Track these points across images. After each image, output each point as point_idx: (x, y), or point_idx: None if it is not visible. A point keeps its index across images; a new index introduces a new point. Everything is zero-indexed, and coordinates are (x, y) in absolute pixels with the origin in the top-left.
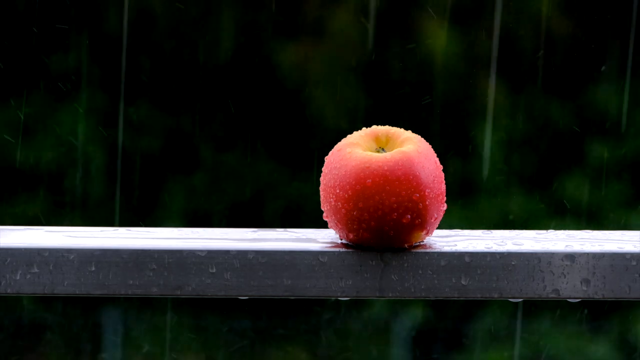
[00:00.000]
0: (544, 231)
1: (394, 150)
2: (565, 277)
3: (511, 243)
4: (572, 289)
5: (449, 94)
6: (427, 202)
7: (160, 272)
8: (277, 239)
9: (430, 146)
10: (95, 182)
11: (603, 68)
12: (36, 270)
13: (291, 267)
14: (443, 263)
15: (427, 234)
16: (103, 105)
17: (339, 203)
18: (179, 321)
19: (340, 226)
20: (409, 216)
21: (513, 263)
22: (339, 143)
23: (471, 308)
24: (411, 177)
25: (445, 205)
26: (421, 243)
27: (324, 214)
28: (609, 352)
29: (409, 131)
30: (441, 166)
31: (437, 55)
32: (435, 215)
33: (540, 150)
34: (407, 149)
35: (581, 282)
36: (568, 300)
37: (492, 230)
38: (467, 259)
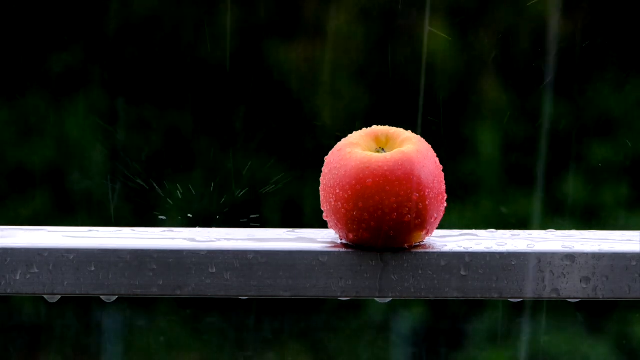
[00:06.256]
0: (544, 231)
1: (394, 151)
2: (565, 277)
3: (511, 243)
4: (572, 289)
5: (448, 94)
6: (427, 202)
7: (160, 272)
8: (277, 239)
9: (430, 146)
10: (95, 181)
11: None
12: (36, 270)
13: (291, 267)
14: (443, 263)
15: (427, 234)
16: (103, 104)
17: (339, 203)
18: (179, 321)
19: (340, 226)
20: (409, 216)
21: (513, 263)
22: (338, 143)
23: (471, 308)
24: (411, 177)
25: (445, 205)
26: (421, 243)
27: (324, 214)
28: (608, 352)
29: (409, 131)
30: (441, 166)
31: (437, 55)
32: (435, 215)
33: (540, 150)
34: (407, 149)
35: (581, 282)
36: (568, 300)
37: (493, 230)
38: (467, 259)
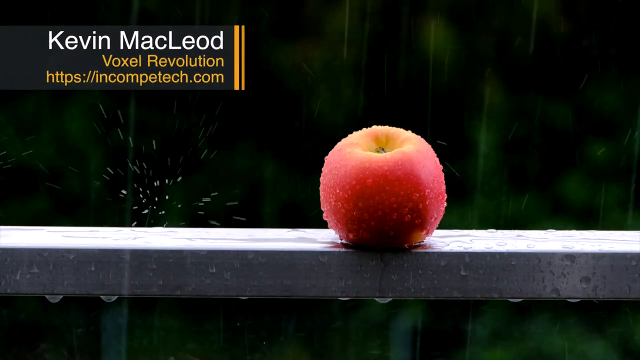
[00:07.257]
0: (544, 231)
1: (394, 151)
2: (565, 277)
3: (511, 243)
4: (572, 289)
5: (448, 94)
6: (427, 202)
7: (160, 272)
8: (277, 239)
9: (430, 146)
10: (95, 182)
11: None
12: (36, 270)
13: (291, 267)
14: (443, 263)
15: (427, 234)
16: (103, 104)
17: (339, 203)
18: (178, 321)
19: (340, 226)
20: (409, 216)
21: (513, 263)
22: (338, 143)
23: (471, 308)
24: (411, 177)
25: (445, 205)
26: (421, 243)
27: (324, 214)
28: (608, 352)
29: (409, 131)
30: (441, 166)
31: (436, 55)
32: (435, 215)
33: (540, 150)
34: (407, 149)
35: (581, 282)
36: (568, 300)
37: (493, 230)
38: (467, 259)
